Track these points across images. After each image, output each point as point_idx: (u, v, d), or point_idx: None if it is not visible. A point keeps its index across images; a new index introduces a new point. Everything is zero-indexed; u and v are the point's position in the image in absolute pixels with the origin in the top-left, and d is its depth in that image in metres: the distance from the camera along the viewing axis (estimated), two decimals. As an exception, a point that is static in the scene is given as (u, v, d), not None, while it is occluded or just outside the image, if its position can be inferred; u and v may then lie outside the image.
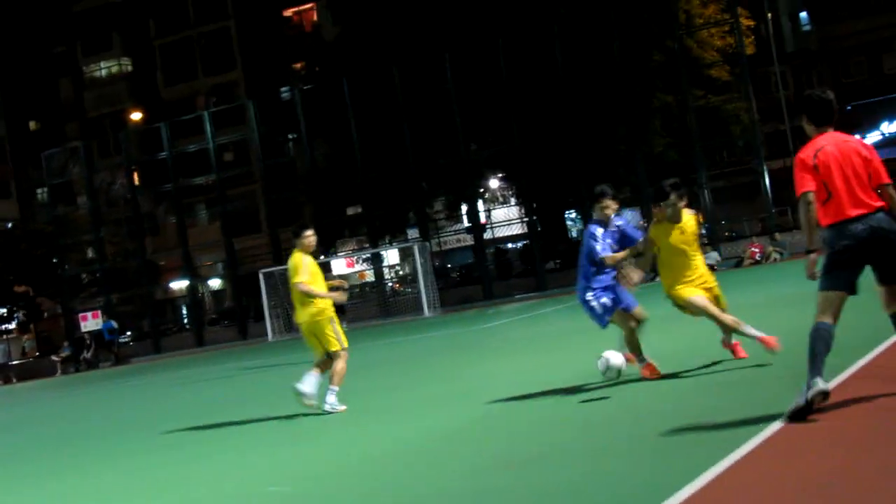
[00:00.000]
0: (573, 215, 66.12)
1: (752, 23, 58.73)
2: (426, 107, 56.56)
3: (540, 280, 53.22)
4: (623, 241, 12.34)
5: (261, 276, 52.87)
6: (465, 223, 61.48)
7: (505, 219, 61.66)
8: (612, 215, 12.40)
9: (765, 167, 52.95)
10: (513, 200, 63.09)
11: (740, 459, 7.21)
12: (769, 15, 71.97)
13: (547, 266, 56.98)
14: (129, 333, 72.12)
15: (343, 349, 13.90)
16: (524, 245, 63.82)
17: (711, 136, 53.69)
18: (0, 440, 19.78)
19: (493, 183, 64.25)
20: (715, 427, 8.50)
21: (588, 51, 54.15)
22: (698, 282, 12.09)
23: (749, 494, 6.45)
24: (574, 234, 66.79)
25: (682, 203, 12.24)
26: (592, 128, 53.95)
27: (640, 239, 12.35)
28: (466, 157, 54.85)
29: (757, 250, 46.48)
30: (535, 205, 57.44)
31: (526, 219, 56.99)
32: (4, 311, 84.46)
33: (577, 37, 54.03)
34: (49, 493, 11.07)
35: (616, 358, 12.07)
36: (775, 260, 45.09)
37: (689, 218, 12.26)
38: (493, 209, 62.93)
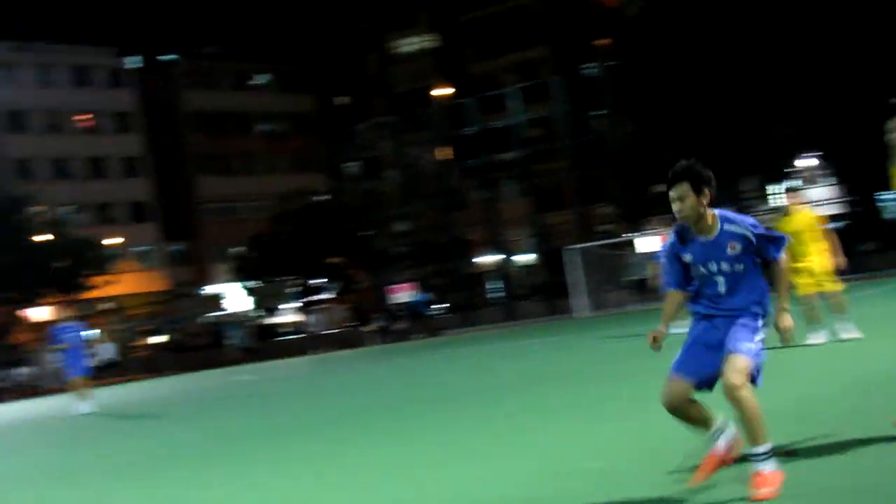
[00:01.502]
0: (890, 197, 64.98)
1: None
2: (734, 83, 56.71)
3: (856, 261, 52.74)
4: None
5: (569, 252, 54.15)
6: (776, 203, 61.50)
7: (817, 199, 61.31)
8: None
9: None
10: (825, 181, 62.59)
11: None
12: None
13: (865, 247, 56.26)
14: (439, 306, 74.67)
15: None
16: (845, 226, 63.24)
17: None
18: (312, 407, 20.87)
19: (804, 162, 63.88)
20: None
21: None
22: None
23: None
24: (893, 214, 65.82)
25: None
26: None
27: None
28: (776, 136, 54.79)
29: None
30: (848, 186, 56.85)
31: (840, 200, 56.56)
32: (319, 281, 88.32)
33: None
34: (367, 459, 11.56)
35: None
36: None
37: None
38: (805, 189, 62.72)
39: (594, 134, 71.34)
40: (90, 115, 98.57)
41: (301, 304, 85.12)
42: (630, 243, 57.25)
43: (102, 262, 79.93)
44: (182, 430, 19.46)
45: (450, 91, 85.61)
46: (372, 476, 10.25)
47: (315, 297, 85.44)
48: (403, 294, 62.28)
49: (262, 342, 71.02)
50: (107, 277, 78.44)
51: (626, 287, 51.63)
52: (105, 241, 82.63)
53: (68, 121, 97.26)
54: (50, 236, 74.41)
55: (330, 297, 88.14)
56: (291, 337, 76.79)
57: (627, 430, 10.77)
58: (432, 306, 64.66)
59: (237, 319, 71.08)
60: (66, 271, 75.33)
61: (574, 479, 8.56)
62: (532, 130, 74.44)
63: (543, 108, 68.96)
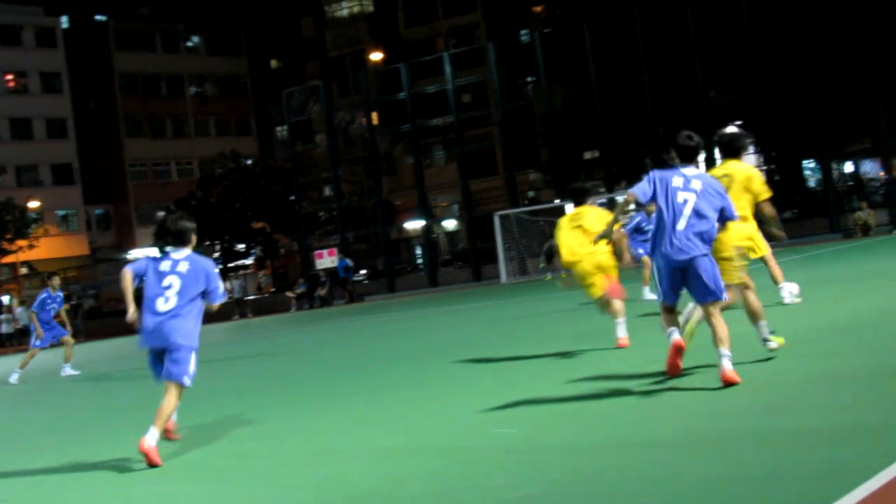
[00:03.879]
0: (812, 165, 66.14)
1: None
2: (666, 52, 57.71)
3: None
4: None
5: (496, 219, 54.90)
6: (703, 170, 62.42)
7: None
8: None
9: None
10: (751, 149, 63.71)
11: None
12: None
13: (784, 216, 57.45)
14: (363, 272, 75.19)
15: None
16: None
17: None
18: (229, 372, 21.29)
19: (731, 130, 64.85)
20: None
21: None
22: None
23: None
24: (812, 183, 66.94)
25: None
26: (835, 76, 54.13)
27: None
28: (705, 104, 55.80)
29: None
30: (773, 153, 57.94)
31: (764, 167, 57.58)
32: (242, 246, 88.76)
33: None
34: (268, 428, 11.84)
35: None
36: None
37: None
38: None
39: (527, 100, 72.07)
40: (17, 75, 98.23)
41: (224, 269, 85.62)
42: (559, 210, 57.86)
43: (23, 225, 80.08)
44: (75, 400, 19.74)
45: (383, 55, 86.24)
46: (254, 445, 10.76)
47: (238, 262, 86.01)
48: (327, 259, 62.56)
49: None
50: (27, 241, 78.69)
51: (552, 254, 52.00)
52: (28, 204, 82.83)
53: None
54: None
55: (253, 262, 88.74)
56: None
57: (530, 399, 11.01)
58: (356, 272, 65.13)
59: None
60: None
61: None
62: (465, 96, 75.04)
63: (477, 73, 69.52)
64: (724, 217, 10.66)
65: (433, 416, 11.17)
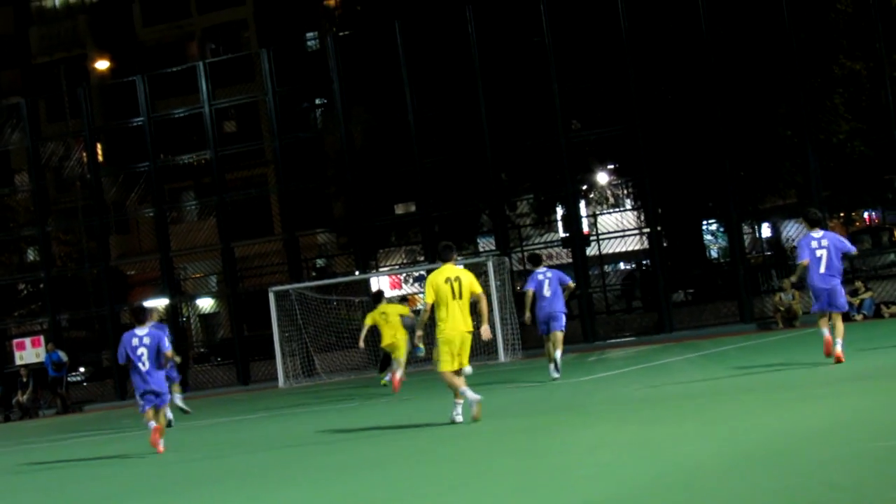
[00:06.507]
0: (714, 227, 66.27)
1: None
2: (511, 67, 57.32)
3: (663, 317, 53.53)
4: None
5: (271, 297, 53.74)
6: (561, 233, 62.07)
7: (617, 228, 62.05)
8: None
9: None
10: (628, 203, 63.56)
11: None
12: None
13: (674, 298, 57.29)
14: (82, 370, 73.23)
15: None
16: (644, 266, 64.10)
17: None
18: None
19: (602, 177, 64.82)
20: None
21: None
22: None
23: None
24: (714, 253, 67.10)
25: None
26: (746, 105, 54.34)
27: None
28: (565, 140, 55.39)
29: None
30: (660, 210, 57.76)
31: (647, 229, 57.35)
32: None
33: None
34: None
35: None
36: None
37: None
38: (601, 214, 63.49)
39: (314, 131, 71.35)
40: None
41: None
42: (359, 285, 57.15)
43: None
44: None
45: (112, 64, 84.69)
46: None
47: None
48: (31, 352, 60.96)
49: None
50: None
51: (351, 346, 51.10)
52: None
53: None
54: None
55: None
56: None
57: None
58: (72, 370, 63.48)
59: None
60: None
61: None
62: (227, 124, 74.02)
63: (246, 91, 68.58)
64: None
65: None
